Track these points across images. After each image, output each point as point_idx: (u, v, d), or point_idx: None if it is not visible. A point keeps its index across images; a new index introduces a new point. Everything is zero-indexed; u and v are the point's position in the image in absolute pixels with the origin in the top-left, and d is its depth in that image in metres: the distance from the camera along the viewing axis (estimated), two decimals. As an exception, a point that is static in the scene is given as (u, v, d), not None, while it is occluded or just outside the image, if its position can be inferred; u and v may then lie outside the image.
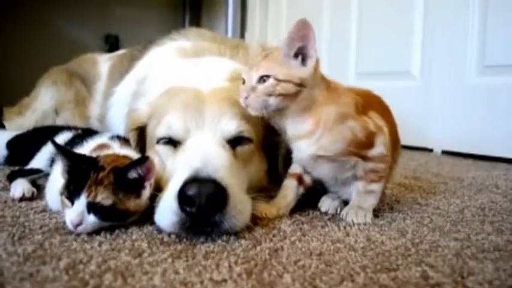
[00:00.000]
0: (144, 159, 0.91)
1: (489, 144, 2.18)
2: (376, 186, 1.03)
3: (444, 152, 2.41)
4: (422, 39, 2.53)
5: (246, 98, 0.95)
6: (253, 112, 0.96)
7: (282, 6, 3.53)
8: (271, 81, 0.92)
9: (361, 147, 0.98)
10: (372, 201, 1.04)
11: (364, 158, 0.99)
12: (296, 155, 1.03)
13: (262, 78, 0.93)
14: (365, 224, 1.00)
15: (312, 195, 1.13)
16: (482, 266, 0.77)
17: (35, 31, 3.59)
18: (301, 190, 1.08)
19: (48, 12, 3.68)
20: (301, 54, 0.94)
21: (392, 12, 2.69)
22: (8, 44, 3.46)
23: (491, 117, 2.17)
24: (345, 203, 1.09)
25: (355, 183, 1.04)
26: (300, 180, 1.07)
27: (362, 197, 1.03)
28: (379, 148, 0.99)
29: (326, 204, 1.11)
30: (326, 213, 1.09)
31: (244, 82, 0.97)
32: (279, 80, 0.92)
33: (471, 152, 2.26)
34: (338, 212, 1.08)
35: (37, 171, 1.25)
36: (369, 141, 0.98)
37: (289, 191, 1.07)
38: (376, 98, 1.12)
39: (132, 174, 0.90)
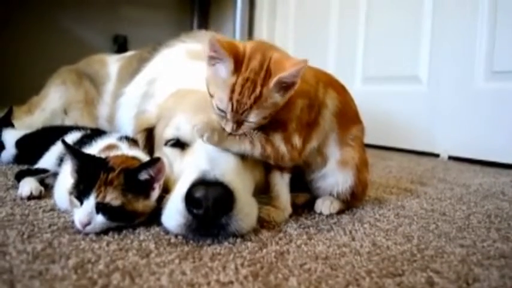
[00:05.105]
0: (155, 161, 0.91)
1: (496, 150, 2.17)
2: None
3: (451, 158, 2.39)
4: (430, 43, 2.52)
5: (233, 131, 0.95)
6: None
7: (290, 8, 3.53)
8: (261, 120, 0.94)
9: (303, 125, 1.01)
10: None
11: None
12: None
13: None
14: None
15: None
16: (488, 273, 0.77)
17: (44, 31, 3.62)
18: (287, 175, 1.08)
19: (57, 13, 3.71)
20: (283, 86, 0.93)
21: (400, 16, 2.68)
22: (17, 44, 3.48)
23: (499, 123, 2.16)
24: None
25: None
26: (280, 167, 1.07)
27: None
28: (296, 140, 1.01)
29: (318, 204, 1.13)
30: (332, 216, 1.10)
31: (220, 110, 0.95)
32: (266, 116, 0.94)
33: (478, 157, 2.25)
34: (332, 210, 1.12)
35: (44, 170, 1.26)
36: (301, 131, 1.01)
37: (279, 186, 1.07)
38: (335, 80, 1.15)
39: (143, 176, 0.90)
